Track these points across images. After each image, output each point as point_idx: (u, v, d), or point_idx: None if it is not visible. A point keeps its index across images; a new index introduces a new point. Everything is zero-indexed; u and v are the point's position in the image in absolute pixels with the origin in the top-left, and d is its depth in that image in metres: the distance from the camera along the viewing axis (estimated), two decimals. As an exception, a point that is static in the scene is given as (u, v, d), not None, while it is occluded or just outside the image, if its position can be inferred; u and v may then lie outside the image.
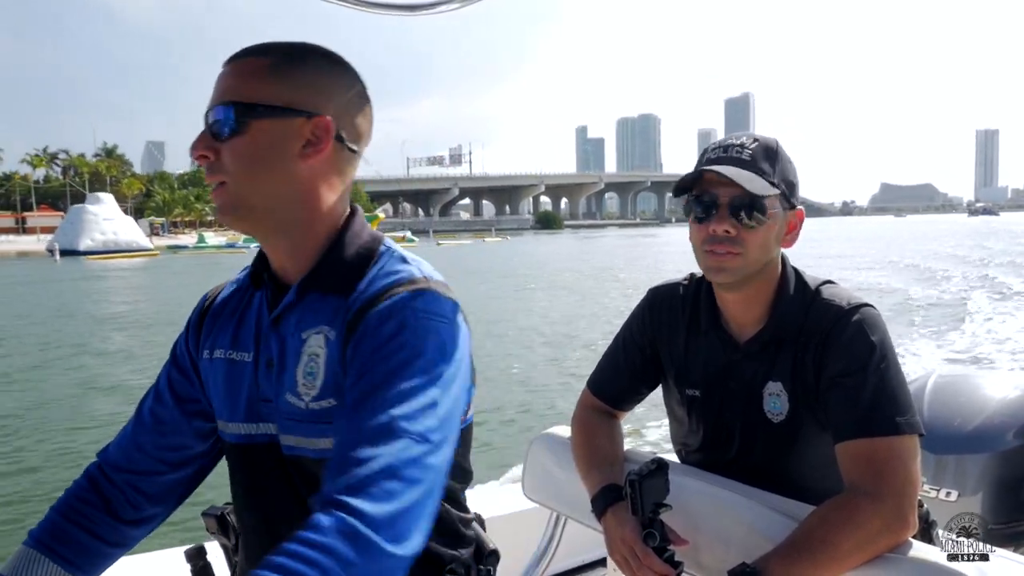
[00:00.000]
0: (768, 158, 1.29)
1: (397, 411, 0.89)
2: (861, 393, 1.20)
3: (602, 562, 2.20)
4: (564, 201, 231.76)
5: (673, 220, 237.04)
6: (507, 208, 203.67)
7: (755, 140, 1.31)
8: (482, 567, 1.14)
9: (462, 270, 31.56)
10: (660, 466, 1.20)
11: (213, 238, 64.71)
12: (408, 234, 75.82)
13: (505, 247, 63.34)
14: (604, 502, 1.34)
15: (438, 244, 67.07)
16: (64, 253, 49.46)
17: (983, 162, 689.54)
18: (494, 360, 11.28)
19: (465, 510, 1.16)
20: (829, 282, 1.35)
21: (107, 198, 59.25)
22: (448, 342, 0.97)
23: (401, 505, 0.85)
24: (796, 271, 1.37)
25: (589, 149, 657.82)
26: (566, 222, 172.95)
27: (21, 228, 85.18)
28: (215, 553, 1.22)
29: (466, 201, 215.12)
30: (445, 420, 0.93)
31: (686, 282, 1.48)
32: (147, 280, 31.33)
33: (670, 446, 1.61)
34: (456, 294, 1.03)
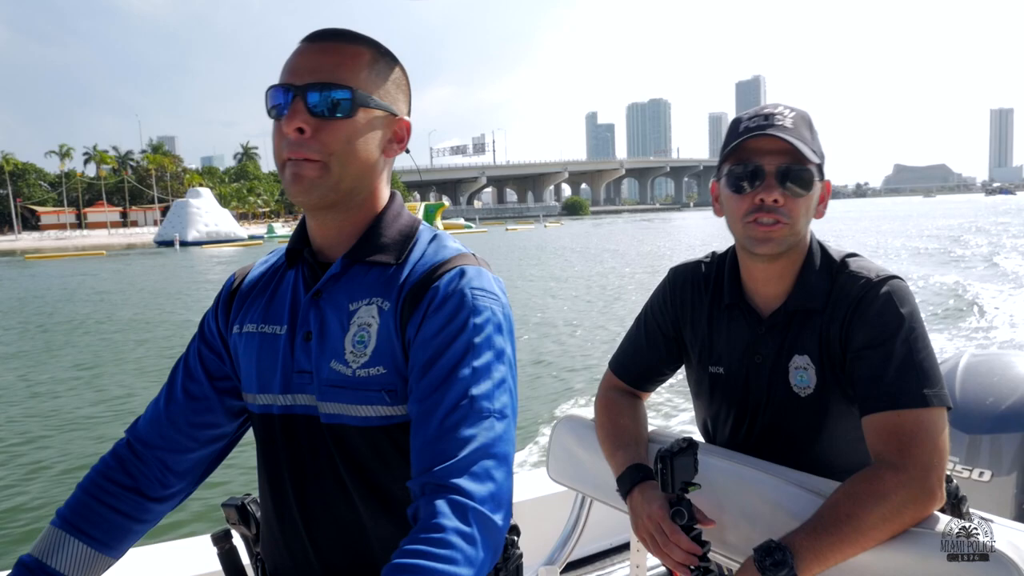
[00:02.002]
0: (807, 127, 1.28)
1: (476, 390, 0.94)
2: (888, 365, 1.18)
3: (627, 546, 2.23)
4: (582, 187, 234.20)
5: (691, 205, 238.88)
6: (528, 195, 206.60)
7: (792, 110, 1.29)
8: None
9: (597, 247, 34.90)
10: (690, 445, 1.19)
11: (281, 228, 68.35)
12: (463, 220, 79.75)
13: (566, 231, 66.58)
14: (631, 481, 1.32)
15: (507, 230, 70.64)
16: (169, 243, 53.44)
17: (997, 142, 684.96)
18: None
19: None
20: (855, 255, 1.33)
21: (205, 192, 63.18)
22: (503, 319, 1.02)
23: (497, 481, 0.92)
24: (821, 244, 1.35)
25: (609, 137, 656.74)
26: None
27: (82, 223, 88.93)
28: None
29: (488, 189, 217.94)
30: (513, 394, 0.99)
31: (708, 260, 1.48)
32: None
33: (694, 428, 1.60)
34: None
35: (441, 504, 0.87)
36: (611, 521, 1.98)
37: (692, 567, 1.18)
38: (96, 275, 29.22)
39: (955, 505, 1.20)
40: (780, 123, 1.26)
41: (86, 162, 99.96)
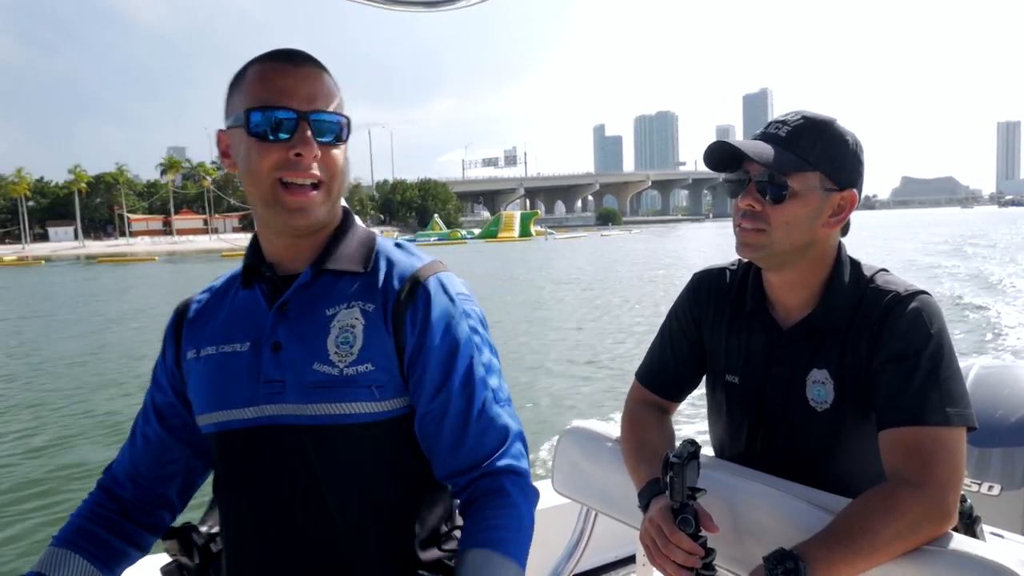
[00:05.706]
0: (811, 136, 1.25)
1: (493, 383, 1.11)
2: (912, 379, 1.16)
3: (631, 558, 2.24)
4: (605, 199, 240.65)
5: (711, 216, 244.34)
6: (555, 205, 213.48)
7: (803, 118, 1.27)
8: None
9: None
10: (696, 448, 1.15)
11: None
12: (541, 227, 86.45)
13: (644, 237, 72.82)
14: (649, 493, 1.29)
15: (602, 236, 77.38)
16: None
17: (1004, 154, 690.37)
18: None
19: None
20: (884, 271, 1.31)
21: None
22: (483, 315, 1.15)
23: (526, 454, 1.12)
24: (852, 260, 1.33)
25: (617, 149, 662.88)
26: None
27: (169, 230, 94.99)
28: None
29: (517, 200, 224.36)
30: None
31: (733, 267, 1.46)
32: (468, 258, 39.69)
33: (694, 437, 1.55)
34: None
35: (509, 485, 1.07)
36: (616, 534, 2.04)
37: (695, 569, 1.14)
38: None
39: (968, 525, 1.19)
40: (775, 132, 1.27)
41: (162, 172, 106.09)
